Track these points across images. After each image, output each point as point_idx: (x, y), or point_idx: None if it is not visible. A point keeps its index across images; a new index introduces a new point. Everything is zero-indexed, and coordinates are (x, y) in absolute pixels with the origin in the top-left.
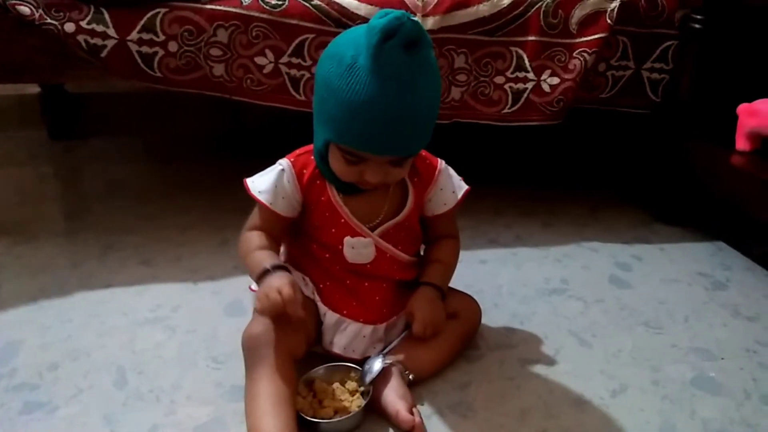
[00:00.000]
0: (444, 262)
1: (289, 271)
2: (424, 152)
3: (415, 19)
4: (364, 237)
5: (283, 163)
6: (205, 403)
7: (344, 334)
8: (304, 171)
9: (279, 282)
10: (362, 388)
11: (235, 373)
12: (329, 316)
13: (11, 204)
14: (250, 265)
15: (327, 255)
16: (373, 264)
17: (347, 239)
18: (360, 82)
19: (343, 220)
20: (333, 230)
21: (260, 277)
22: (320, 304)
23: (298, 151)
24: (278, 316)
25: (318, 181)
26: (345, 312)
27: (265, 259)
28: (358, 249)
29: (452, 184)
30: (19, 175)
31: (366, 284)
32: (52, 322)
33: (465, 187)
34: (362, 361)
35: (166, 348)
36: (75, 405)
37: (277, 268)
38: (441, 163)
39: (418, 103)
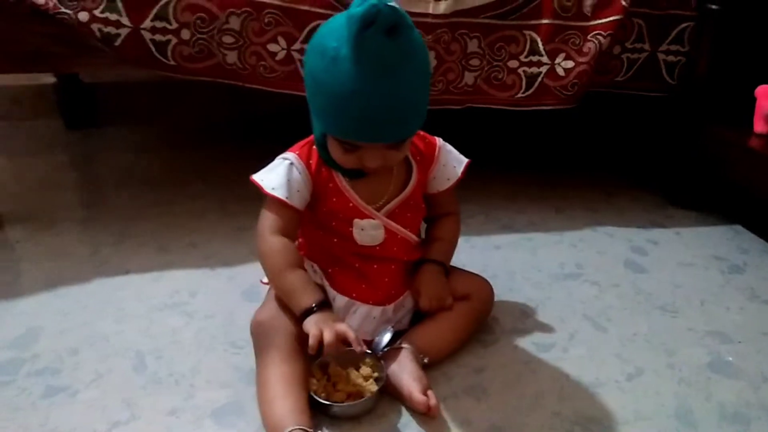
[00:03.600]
0: (446, 239)
1: (329, 305)
2: (421, 132)
3: (392, 3)
4: (373, 219)
5: (290, 156)
6: (223, 386)
7: (355, 317)
8: (311, 161)
9: (330, 325)
10: (376, 374)
11: (253, 357)
12: (339, 300)
13: (29, 192)
14: (284, 288)
15: (335, 240)
16: (383, 246)
17: (357, 221)
18: (345, 73)
19: (351, 204)
20: (342, 215)
21: (306, 312)
22: (329, 289)
23: (299, 144)
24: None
25: (323, 169)
26: (354, 295)
27: (306, 290)
28: (368, 231)
29: (453, 159)
30: (36, 163)
31: (375, 266)
32: (71, 308)
33: (465, 160)
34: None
35: (184, 333)
36: (95, 389)
37: (323, 305)
38: (439, 141)
39: (406, 88)
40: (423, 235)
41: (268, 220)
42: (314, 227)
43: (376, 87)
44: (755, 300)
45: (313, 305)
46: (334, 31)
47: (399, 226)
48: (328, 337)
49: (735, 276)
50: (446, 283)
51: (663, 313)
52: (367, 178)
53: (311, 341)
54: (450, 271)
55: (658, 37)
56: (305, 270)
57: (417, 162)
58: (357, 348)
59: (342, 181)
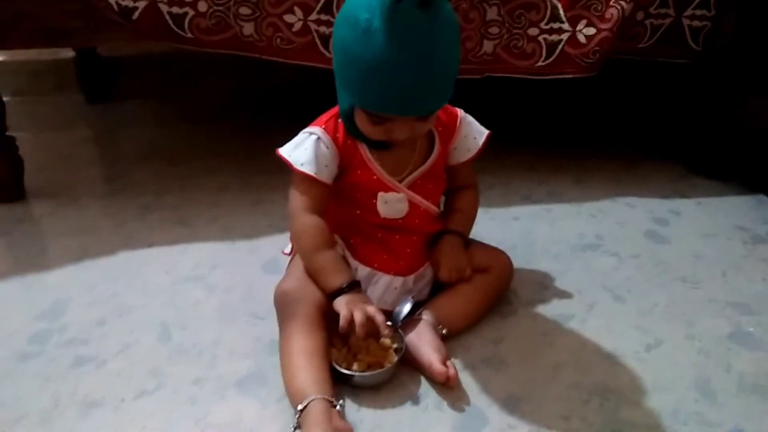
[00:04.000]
0: (465, 211)
1: (359, 285)
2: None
3: None
4: (397, 192)
5: (316, 131)
6: (245, 357)
7: (377, 287)
8: (337, 135)
9: (360, 306)
10: (396, 345)
11: (274, 327)
12: (361, 270)
13: (52, 167)
14: (316, 267)
15: (358, 212)
16: (405, 219)
17: (381, 195)
18: (377, 46)
19: (375, 177)
20: (366, 187)
21: (336, 292)
22: (351, 260)
23: (323, 117)
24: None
25: (349, 142)
26: (376, 265)
27: (337, 270)
28: (392, 204)
29: (474, 131)
30: (58, 138)
31: (397, 237)
32: (98, 281)
33: (486, 131)
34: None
35: (207, 305)
36: (122, 359)
37: (353, 286)
38: (461, 112)
39: (438, 60)
40: (442, 208)
41: (299, 199)
42: (337, 198)
43: (408, 59)
44: None
45: (344, 285)
46: (365, 2)
47: (421, 198)
48: (359, 318)
49: (758, 246)
50: (465, 254)
51: (683, 284)
52: (392, 149)
53: (342, 322)
54: (469, 244)
55: (683, 2)
56: (336, 250)
57: (439, 133)
58: (384, 331)
59: (367, 153)
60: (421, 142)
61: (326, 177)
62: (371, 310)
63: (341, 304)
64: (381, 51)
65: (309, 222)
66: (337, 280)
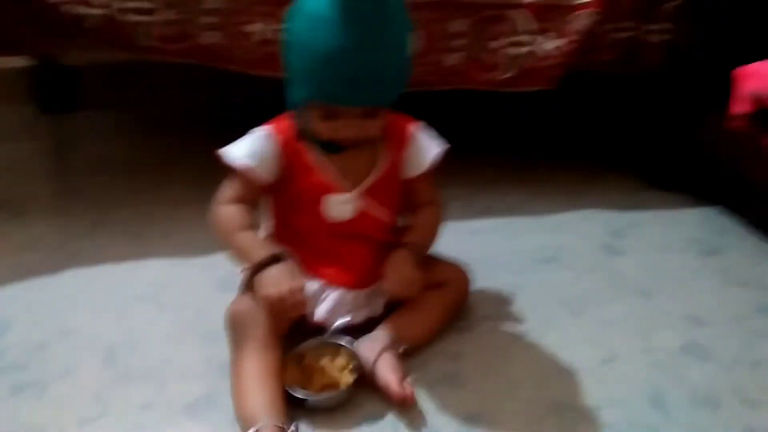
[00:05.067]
0: (420, 227)
1: (286, 255)
2: (400, 115)
3: None
4: (345, 193)
5: (264, 129)
6: (196, 379)
7: (327, 302)
8: (283, 134)
9: (289, 282)
10: (351, 365)
11: (227, 349)
12: (310, 284)
13: (0, 180)
14: (237, 246)
15: (308, 221)
16: (354, 221)
17: (326, 196)
18: (327, 33)
19: (323, 180)
20: (312, 191)
21: (260, 265)
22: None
23: (276, 118)
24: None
25: (296, 144)
26: (326, 279)
27: (258, 244)
28: (338, 205)
29: (427, 146)
30: (7, 150)
31: (346, 249)
32: (42, 301)
33: (440, 148)
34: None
35: (157, 325)
36: (65, 384)
37: (278, 257)
38: (417, 125)
39: (387, 50)
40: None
41: (225, 191)
42: (285, 209)
43: (356, 47)
44: (730, 283)
45: (270, 255)
46: None
47: (370, 202)
48: (274, 297)
49: (712, 258)
50: (415, 269)
51: (638, 297)
52: (342, 154)
53: (264, 303)
54: (426, 259)
55: (646, 15)
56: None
57: (390, 142)
58: (303, 310)
59: (314, 158)
60: (371, 151)
61: (262, 171)
62: (297, 285)
63: (262, 283)
64: (330, 37)
65: (228, 208)
66: (258, 255)
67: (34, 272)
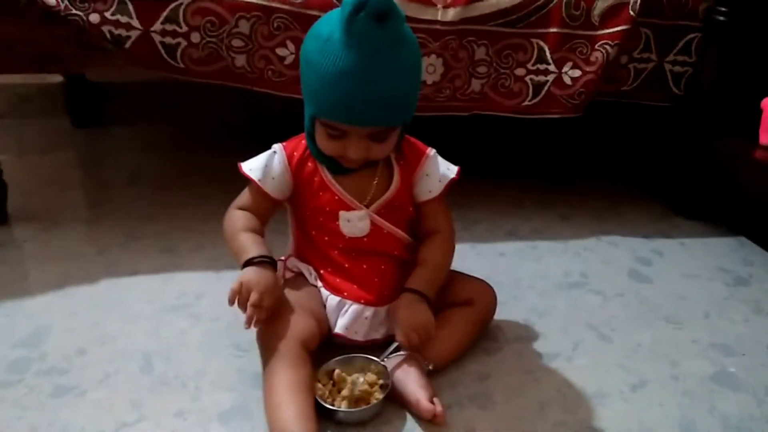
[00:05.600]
0: (429, 264)
1: (272, 263)
2: (413, 139)
3: None
4: (358, 210)
5: (275, 146)
6: (229, 389)
7: (346, 316)
8: (295, 153)
9: (256, 284)
10: (381, 381)
11: (258, 360)
12: (331, 300)
13: (36, 191)
14: (234, 247)
15: (326, 238)
16: (370, 238)
17: (342, 213)
18: (334, 54)
19: (336, 197)
20: (328, 208)
21: (244, 265)
22: (322, 290)
23: (292, 138)
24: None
25: (309, 163)
26: (345, 294)
27: (250, 246)
28: (354, 222)
29: (439, 172)
30: (43, 161)
31: (364, 266)
32: (79, 308)
33: (451, 176)
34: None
35: (191, 335)
36: (103, 389)
37: (260, 260)
38: (430, 150)
39: (393, 74)
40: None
41: (240, 199)
42: (305, 227)
43: (362, 69)
44: (760, 312)
45: (252, 257)
46: (330, 18)
47: (384, 221)
48: (244, 295)
49: (740, 288)
50: (425, 311)
51: (667, 324)
52: (351, 175)
53: (229, 294)
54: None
55: (666, 48)
56: (262, 237)
57: (400, 166)
58: (263, 315)
59: (328, 176)
60: (381, 173)
61: (270, 188)
62: (254, 297)
63: (243, 277)
64: (337, 59)
65: (238, 213)
66: (248, 254)
67: (71, 281)
